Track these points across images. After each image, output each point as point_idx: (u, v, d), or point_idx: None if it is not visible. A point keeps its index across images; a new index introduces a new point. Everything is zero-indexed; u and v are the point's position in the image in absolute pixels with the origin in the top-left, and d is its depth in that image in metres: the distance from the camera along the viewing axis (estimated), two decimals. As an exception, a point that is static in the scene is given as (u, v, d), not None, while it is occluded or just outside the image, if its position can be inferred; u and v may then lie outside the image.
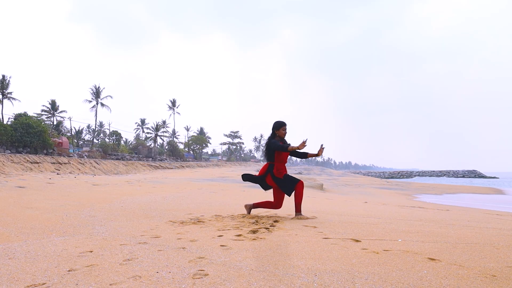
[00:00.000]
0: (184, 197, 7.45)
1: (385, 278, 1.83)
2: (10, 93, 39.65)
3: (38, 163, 19.34)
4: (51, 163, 20.54)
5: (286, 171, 4.35)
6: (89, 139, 66.37)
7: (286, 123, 4.40)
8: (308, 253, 2.39)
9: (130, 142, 67.85)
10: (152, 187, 10.51)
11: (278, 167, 4.27)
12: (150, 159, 44.93)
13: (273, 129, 4.37)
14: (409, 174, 76.97)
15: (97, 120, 60.08)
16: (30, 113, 38.17)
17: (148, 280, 1.83)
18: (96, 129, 61.99)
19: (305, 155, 4.33)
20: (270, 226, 3.56)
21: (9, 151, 25.07)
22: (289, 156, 4.49)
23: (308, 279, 1.82)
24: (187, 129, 75.77)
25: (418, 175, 73.67)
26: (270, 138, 4.35)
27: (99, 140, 62.70)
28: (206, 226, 3.58)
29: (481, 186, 27.07)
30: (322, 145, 4.20)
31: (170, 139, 66.72)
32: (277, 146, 4.15)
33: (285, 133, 4.38)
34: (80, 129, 62.83)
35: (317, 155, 4.21)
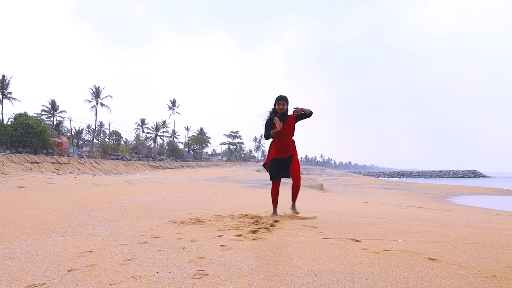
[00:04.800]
0: (184, 197, 7.45)
1: (385, 278, 1.83)
2: (10, 93, 39.73)
3: (38, 163, 19.34)
4: (51, 163, 20.53)
5: (275, 154, 4.23)
6: (89, 139, 66.38)
7: (285, 97, 4.21)
8: (308, 253, 2.39)
9: (130, 142, 67.83)
10: (152, 187, 10.51)
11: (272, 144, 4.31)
12: (150, 159, 44.92)
13: (273, 103, 4.29)
14: (409, 174, 76.99)
15: (97, 120, 60.21)
16: (30, 113, 38.19)
17: (148, 280, 1.83)
18: (96, 129, 62.05)
19: (304, 116, 4.25)
20: (270, 226, 3.56)
21: (9, 151, 25.07)
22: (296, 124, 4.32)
23: (308, 279, 1.82)
24: (187, 129, 75.82)
25: (418, 176, 73.67)
26: (270, 113, 4.29)
27: (99, 140, 62.73)
28: (206, 226, 3.58)
29: (482, 186, 26.91)
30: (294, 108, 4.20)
31: (170, 139, 66.75)
32: (265, 129, 4.20)
33: (281, 108, 4.17)
34: (80, 129, 62.83)
35: (304, 111, 4.18)
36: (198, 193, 8.77)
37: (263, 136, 4.29)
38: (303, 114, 4.24)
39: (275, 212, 4.39)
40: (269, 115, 4.30)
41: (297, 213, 4.29)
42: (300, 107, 4.19)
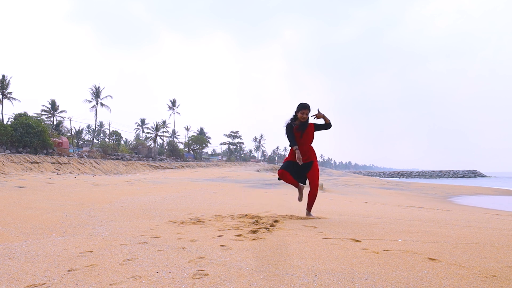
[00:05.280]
0: (184, 197, 7.45)
1: (385, 278, 1.83)
2: (10, 93, 39.79)
3: (38, 163, 19.33)
4: (51, 163, 20.53)
5: (293, 158, 4.20)
6: (89, 139, 66.45)
7: (308, 106, 4.11)
8: (308, 253, 2.39)
9: (130, 142, 67.87)
10: (152, 187, 10.51)
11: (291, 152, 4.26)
12: (150, 159, 44.90)
13: (295, 111, 4.20)
14: (409, 174, 76.98)
15: (97, 120, 60.26)
16: (30, 113, 38.23)
17: (148, 280, 1.83)
18: (96, 129, 62.09)
19: (324, 126, 4.26)
20: (270, 226, 3.56)
21: (9, 151, 25.07)
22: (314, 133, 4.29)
23: (308, 279, 1.82)
24: (187, 129, 75.83)
25: (418, 176, 73.63)
26: (291, 120, 4.20)
27: (99, 140, 62.78)
28: (206, 226, 3.58)
29: (482, 186, 26.82)
30: (318, 109, 4.22)
31: (170, 139, 66.77)
32: (288, 137, 4.13)
33: (304, 117, 4.09)
34: (80, 129, 62.94)
35: (324, 119, 4.21)
36: (198, 193, 8.77)
37: (288, 141, 4.18)
38: (324, 124, 4.24)
39: (300, 190, 4.33)
40: (289, 121, 4.21)
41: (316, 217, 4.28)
42: (322, 112, 4.18)
